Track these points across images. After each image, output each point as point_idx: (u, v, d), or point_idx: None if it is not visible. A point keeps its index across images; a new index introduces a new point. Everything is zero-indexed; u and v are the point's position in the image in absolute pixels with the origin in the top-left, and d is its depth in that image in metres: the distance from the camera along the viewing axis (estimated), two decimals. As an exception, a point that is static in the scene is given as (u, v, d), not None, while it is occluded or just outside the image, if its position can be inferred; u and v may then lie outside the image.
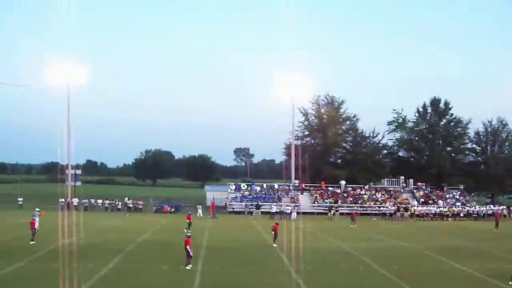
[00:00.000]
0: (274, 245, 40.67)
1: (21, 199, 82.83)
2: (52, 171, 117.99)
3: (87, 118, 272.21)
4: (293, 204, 77.26)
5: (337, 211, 73.64)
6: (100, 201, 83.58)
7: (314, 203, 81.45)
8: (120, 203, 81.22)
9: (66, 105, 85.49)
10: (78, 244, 39.83)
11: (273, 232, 41.67)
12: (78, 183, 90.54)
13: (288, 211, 70.81)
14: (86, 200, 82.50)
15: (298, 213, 71.74)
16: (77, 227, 49.61)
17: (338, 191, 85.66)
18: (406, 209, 75.96)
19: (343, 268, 31.57)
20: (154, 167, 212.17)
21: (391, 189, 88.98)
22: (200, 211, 69.63)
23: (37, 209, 48.84)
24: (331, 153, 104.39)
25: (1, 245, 39.44)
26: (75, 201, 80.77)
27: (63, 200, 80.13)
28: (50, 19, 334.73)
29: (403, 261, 34.74)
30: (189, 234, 31.95)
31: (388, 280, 28.12)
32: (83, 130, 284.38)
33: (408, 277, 28.55)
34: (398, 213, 74.39)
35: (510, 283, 27.01)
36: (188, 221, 52.84)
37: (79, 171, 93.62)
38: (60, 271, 27.76)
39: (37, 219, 46.26)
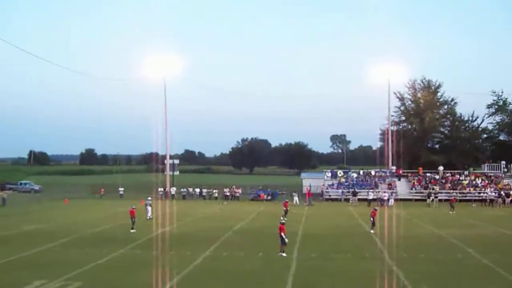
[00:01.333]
0: (372, 231, 40.43)
1: (122, 189, 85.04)
2: (150, 162, 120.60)
3: (184, 108, 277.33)
4: (390, 191, 76.43)
5: (435, 197, 72.36)
6: (197, 190, 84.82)
7: (411, 189, 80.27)
8: (217, 191, 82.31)
9: (163, 96, 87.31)
10: (176, 232, 40.74)
11: (371, 219, 41.44)
12: (176, 173, 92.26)
13: (385, 198, 70.09)
14: (184, 189, 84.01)
15: (395, 199, 70.99)
16: (175, 215, 50.74)
17: (437, 177, 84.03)
18: (508, 195, 73.80)
19: (441, 256, 30.92)
20: (250, 155, 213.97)
21: (492, 174, 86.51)
22: (296, 198, 69.74)
23: (149, 198, 50.34)
24: (429, 138, 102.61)
25: (104, 233, 40.79)
26: (173, 190, 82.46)
27: (161, 189, 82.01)
28: (146, 11, 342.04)
29: (504, 249, 33.81)
30: (283, 221, 32.06)
31: (488, 269, 27.36)
32: (181, 120, 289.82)
33: (509, 264, 27.87)
34: (499, 199, 72.46)
35: None
36: (284, 208, 53.09)
37: (177, 161, 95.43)
38: (158, 258, 28.50)
39: (149, 208, 47.96)
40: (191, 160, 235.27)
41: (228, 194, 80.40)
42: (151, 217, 48.56)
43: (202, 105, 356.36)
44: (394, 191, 77.27)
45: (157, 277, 23.73)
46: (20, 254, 31.00)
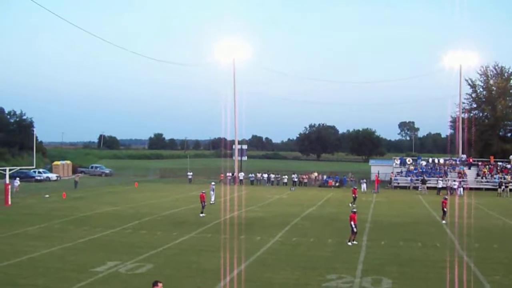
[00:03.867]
0: (443, 221, 39.98)
1: (191, 173, 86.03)
2: (218, 147, 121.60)
3: (252, 93, 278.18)
4: (460, 179, 75.42)
5: (506, 187, 71.13)
6: (265, 175, 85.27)
7: (482, 178, 79.00)
8: (285, 177, 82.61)
9: (232, 81, 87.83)
10: (245, 217, 41.18)
11: (443, 209, 40.93)
12: (244, 158, 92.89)
13: (455, 187, 69.23)
14: (252, 175, 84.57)
15: (464, 188, 70.05)
16: (244, 200, 51.25)
17: (508, 166, 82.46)
18: None
19: (512, 247, 30.65)
20: (318, 141, 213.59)
21: None
22: (364, 185, 69.51)
23: (213, 183, 50.86)
24: (501, 127, 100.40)
25: (174, 216, 41.54)
26: (241, 175, 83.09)
27: (230, 174, 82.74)
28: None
29: None
30: (354, 210, 32.07)
31: None
32: (249, 106, 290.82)
33: None
34: None
35: None
36: (353, 195, 53.02)
37: (245, 146, 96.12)
38: (228, 242, 28.92)
39: (212, 192, 48.51)
40: (258, 146, 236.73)
41: (296, 180, 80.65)
42: (213, 202, 49.08)
43: (270, 91, 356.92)
44: (464, 179, 76.19)
45: (227, 261, 24.11)
46: (94, 235, 32.00)
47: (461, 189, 68.15)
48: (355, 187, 58.41)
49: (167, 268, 23.55)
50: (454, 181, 73.23)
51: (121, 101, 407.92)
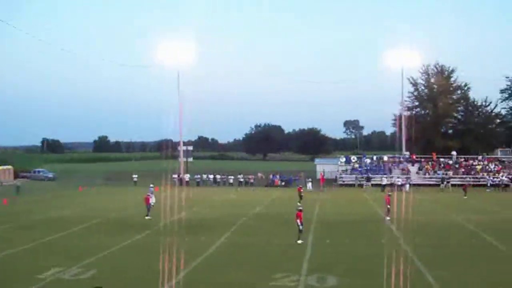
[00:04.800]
0: (387, 218, 40.42)
1: (136, 176, 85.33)
2: (165, 148, 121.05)
3: (198, 94, 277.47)
4: (406, 176, 76.64)
5: (448, 182, 72.49)
6: (211, 176, 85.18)
7: (425, 174, 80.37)
8: (231, 177, 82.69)
9: (177, 82, 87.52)
10: (191, 219, 41.08)
11: (386, 206, 41.48)
12: (190, 159, 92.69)
13: (399, 183, 70.31)
14: (198, 176, 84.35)
15: (409, 185, 71.24)
16: (189, 202, 51.12)
17: (450, 162, 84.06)
18: (522, 180, 73.95)
19: (456, 242, 31.12)
20: (264, 141, 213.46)
21: (505, 159, 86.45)
22: (310, 184, 70.01)
23: (151, 185, 50.45)
24: (442, 124, 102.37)
25: (119, 220, 41.13)
26: (187, 176, 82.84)
27: (176, 176, 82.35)
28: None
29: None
30: (300, 208, 32.31)
31: (503, 253, 27.62)
32: (194, 106, 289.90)
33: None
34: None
35: None
36: (299, 193, 53.36)
37: (190, 147, 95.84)
38: (173, 245, 28.83)
39: (152, 195, 47.90)
40: (204, 147, 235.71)
41: (242, 180, 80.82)
42: (153, 204, 48.27)
43: (215, 91, 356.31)
44: (408, 176, 77.40)
45: (173, 264, 24.04)
46: (38, 241, 31.48)
47: (407, 185, 69.25)
48: (300, 186, 58.77)
49: (111, 272, 23.33)
50: (398, 177, 74.35)
51: (63, 103, 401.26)
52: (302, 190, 55.01)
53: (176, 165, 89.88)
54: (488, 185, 72.77)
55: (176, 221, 39.23)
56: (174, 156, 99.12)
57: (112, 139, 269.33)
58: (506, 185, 72.13)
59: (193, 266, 24.45)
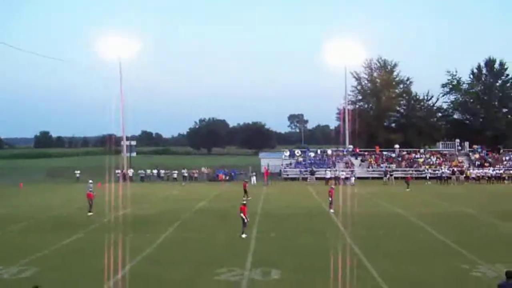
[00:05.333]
0: (331, 211, 40.69)
1: (78, 172, 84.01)
2: (108, 143, 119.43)
3: (141, 89, 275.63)
4: (351, 169, 77.32)
5: (391, 175, 73.37)
6: (155, 171, 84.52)
7: (368, 168, 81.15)
8: (175, 172, 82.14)
9: (119, 77, 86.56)
10: (135, 215, 40.61)
11: (329, 198, 41.72)
12: (134, 154, 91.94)
13: (343, 176, 70.87)
14: (142, 171, 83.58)
15: (354, 178, 71.98)
16: (133, 197, 50.58)
17: (393, 155, 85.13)
18: (462, 173, 75.25)
19: (399, 234, 31.41)
20: (208, 135, 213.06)
21: (446, 152, 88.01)
22: (254, 178, 69.97)
23: (90, 181, 49.58)
24: (385, 117, 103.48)
25: (61, 217, 40.31)
26: (131, 172, 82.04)
27: (119, 171, 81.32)
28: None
29: (459, 225, 34.45)
30: (244, 202, 32.23)
31: (444, 244, 27.96)
32: (137, 101, 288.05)
33: (464, 241, 28.36)
34: (453, 177, 73.78)
35: None
36: (244, 189, 53.27)
37: (134, 142, 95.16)
38: (117, 241, 28.38)
39: (91, 191, 46.79)
40: (148, 141, 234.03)
41: (186, 175, 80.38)
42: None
43: (159, 86, 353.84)
44: (352, 169, 78.06)
45: (117, 260, 23.65)
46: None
47: (353, 178, 69.80)
48: (246, 181, 58.73)
49: (52, 271, 22.79)
50: (342, 171, 74.90)
51: (1, 98, 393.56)
52: (247, 186, 54.81)
53: (119, 160, 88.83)
54: (427, 177, 73.91)
55: (119, 217, 38.74)
56: (117, 151, 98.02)
57: (54, 134, 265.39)
58: (448, 178, 73.28)
59: (137, 262, 24.13)
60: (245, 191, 51.85)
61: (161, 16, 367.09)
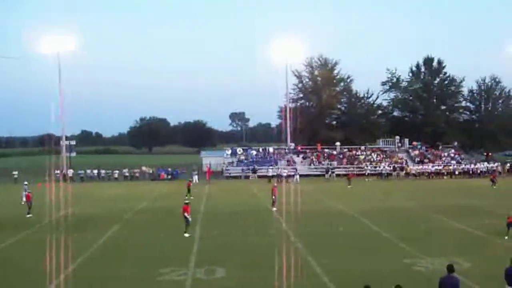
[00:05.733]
0: (274, 209, 40.69)
1: (16, 172, 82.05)
2: (47, 143, 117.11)
3: (81, 88, 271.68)
4: (293, 167, 77.57)
5: (333, 172, 73.87)
6: (95, 171, 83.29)
7: (310, 165, 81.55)
8: (116, 172, 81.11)
9: (58, 75, 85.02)
10: (76, 215, 39.92)
11: (272, 196, 41.73)
12: (73, 154, 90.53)
13: (285, 174, 71.07)
14: (82, 171, 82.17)
15: (291, 176, 72.37)
16: (74, 198, 49.68)
17: (334, 152, 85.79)
18: (402, 169, 76.36)
19: (341, 230, 31.72)
20: (149, 134, 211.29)
21: (387, 149, 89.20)
22: (195, 177, 69.52)
23: (25, 182, 48.46)
24: (326, 115, 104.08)
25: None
26: (71, 172, 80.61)
27: (58, 171, 79.84)
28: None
29: (400, 221, 34.98)
30: (187, 201, 32.05)
31: (386, 240, 28.37)
32: (78, 100, 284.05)
33: (406, 236, 28.82)
34: (394, 173, 74.80)
35: (506, 237, 27.43)
36: (188, 188, 52.85)
37: (73, 142, 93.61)
38: (58, 242, 27.80)
39: (24, 193, 45.70)
40: (88, 141, 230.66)
41: (127, 174, 79.51)
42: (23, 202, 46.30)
43: (99, 84, 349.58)
44: (294, 167, 78.30)
45: (59, 261, 23.20)
46: None
47: (297, 176, 70.11)
48: (190, 180, 58.41)
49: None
50: (285, 169, 75.10)
51: None
52: (191, 185, 54.45)
53: (59, 160, 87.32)
54: (366, 174, 74.78)
55: (60, 218, 38.02)
56: (57, 151, 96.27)
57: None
58: (389, 174, 74.26)
59: (80, 263, 23.83)
60: (189, 190, 51.55)
61: (100, 12, 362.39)
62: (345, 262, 23.31)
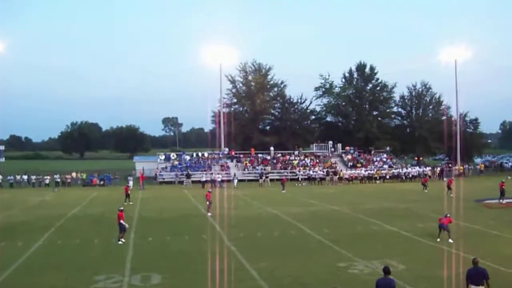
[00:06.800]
0: (209, 214, 40.62)
1: None
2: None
3: (9, 91, 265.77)
4: (233, 172, 77.52)
5: (267, 177, 74.15)
6: (25, 177, 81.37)
7: (244, 170, 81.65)
8: (47, 178, 79.43)
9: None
10: (5, 222, 38.96)
11: (207, 202, 41.61)
12: (2, 160, 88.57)
13: (219, 179, 71.11)
14: (11, 177, 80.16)
15: (229, 180, 72.40)
16: (3, 204, 48.67)
17: (268, 157, 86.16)
18: (335, 173, 77.11)
19: (276, 234, 31.83)
20: (81, 139, 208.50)
21: (320, 154, 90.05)
22: (131, 182, 68.68)
23: None
24: (260, 120, 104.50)
25: None
26: (-1, 178, 78.62)
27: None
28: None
29: (334, 224, 35.34)
30: (121, 208, 31.68)
31: (321, 243, 28.62)
32: (6, 104, 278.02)
33: (340, 239, 29.20)
34: (327, 178, 75.52)
35: (438, 239, 27.94)
36: (126, 193, 52.22)
37: (2, 147, 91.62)
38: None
39: None
40: (17, 146, 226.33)
41: (58, 180, 78.07)
42: None
43: (28, 87, 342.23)
44: (227, 172, 78.30)
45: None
46: None
47: (236, 180, 70.15)
48: (128, 185, 57.83)
49: None
50: (218, 174, 75.05)
51: None
52: (128, 189, 53.83)
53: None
54: (300, 179, 75.33)
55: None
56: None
57: None
58: (322, 179, 74.95)
59: (11, 271, 23.23)
60: (127, 196, 51.08)
61: (30, 13, 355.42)
62: (281, 266, 23.37)
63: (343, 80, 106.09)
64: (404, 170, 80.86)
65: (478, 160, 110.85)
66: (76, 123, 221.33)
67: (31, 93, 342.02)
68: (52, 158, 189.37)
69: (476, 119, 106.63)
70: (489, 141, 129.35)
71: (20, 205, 51.55)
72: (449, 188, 54.35)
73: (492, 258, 22.96)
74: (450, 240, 27.62)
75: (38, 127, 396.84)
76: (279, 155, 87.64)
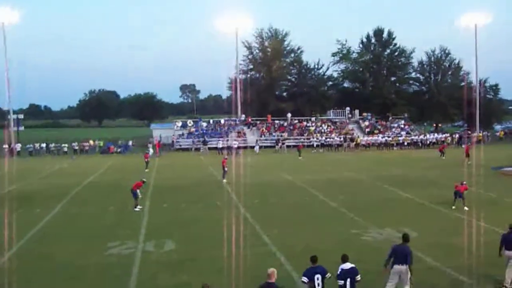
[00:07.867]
0: (224, 180, 40.73)
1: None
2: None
3: (28, 61, 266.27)
4: (257, 138, 77.51)
5: (283, 144, 74.03)
6: (44, 145, 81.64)
7: (261, 137, 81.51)
8: (65, 146, 79.74)
9: (3, 48, 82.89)
10: (24, 190, 39.29)
11: (223, 168, 41.61)
12: (21, 128, 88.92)
13: (236, 146, 71.12)
14: (31, 145, 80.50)
15: (245, 147, 72.42)
16: (22, 173, 48.96)
17: (285, 124, 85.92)
18: (352, 140, 76.84)
19: (291, 201, 31.87)
20: (99, 107, 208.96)
21: (337, 120, 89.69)
22: (151, 150, 68.69)
23: None
24: (277, 87, 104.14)
25: None
26: (18, 146, 78.94)
27: (6, 146, 78.12)
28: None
29: (350, 191, 35.33)
30: (144, 179, 32.08)
31: (335, 210, 28.65)
32: (26, 74, 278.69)
33: (355, 206, 29.18)
34: (344, 144, 75.27)
35: (453, 207, 27.81)
36: (146, 160, 52.46)
37: (21, 116, 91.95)
38: (4, 218, 27.27)
39: None
40: (37, 115, 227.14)
41: (76, 148, 78.32)
42: None
43: (46, 57, 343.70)
44: (245, 138, 78.26)
45: (4, 237, 22.77)
46: None
47: (257, 147, 70.22)
48: (147, 152, 57.99)
49: None
50: (235, 140, 75.05)
51: None
52: (148, 156, 54.10)
53: (6, 135, 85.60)
54: (314, 145, 75.13)
55: (7, 193, 37.35)
56: (4, 126, 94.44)
57: None
58: (339, 145, 74.73)
59: (28, 238, 23.52)
60: (147, 163, 51.42)
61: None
62: (294, 232, 23.43)
63: (361, 45, 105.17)
64: (422, 137, 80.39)
65: (498, 127, 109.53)
66: (94, 91, 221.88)
67: (50, 63, 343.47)
68: (70, 126, 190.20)
69: (496, 85, 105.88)
70: (510, 107, 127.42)
71: (39, 173, 51.84)
72: (467, 155, 53.77)
73: (507, 227, 22.84)
74: (465, 208, 27.50)
75: (58, 95, 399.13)
76: (296, 121, 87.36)
